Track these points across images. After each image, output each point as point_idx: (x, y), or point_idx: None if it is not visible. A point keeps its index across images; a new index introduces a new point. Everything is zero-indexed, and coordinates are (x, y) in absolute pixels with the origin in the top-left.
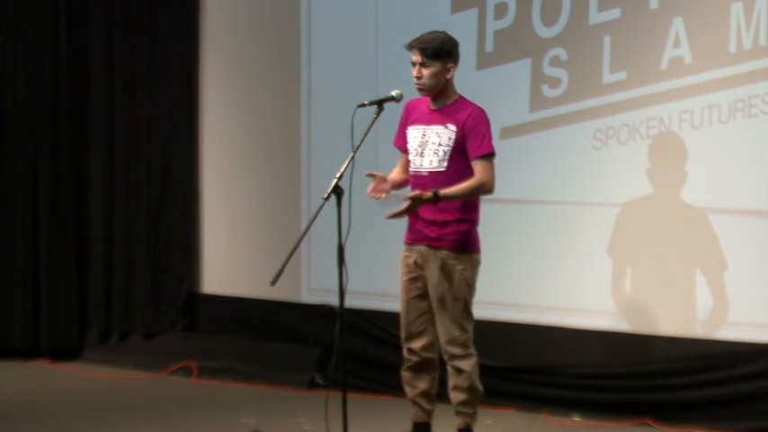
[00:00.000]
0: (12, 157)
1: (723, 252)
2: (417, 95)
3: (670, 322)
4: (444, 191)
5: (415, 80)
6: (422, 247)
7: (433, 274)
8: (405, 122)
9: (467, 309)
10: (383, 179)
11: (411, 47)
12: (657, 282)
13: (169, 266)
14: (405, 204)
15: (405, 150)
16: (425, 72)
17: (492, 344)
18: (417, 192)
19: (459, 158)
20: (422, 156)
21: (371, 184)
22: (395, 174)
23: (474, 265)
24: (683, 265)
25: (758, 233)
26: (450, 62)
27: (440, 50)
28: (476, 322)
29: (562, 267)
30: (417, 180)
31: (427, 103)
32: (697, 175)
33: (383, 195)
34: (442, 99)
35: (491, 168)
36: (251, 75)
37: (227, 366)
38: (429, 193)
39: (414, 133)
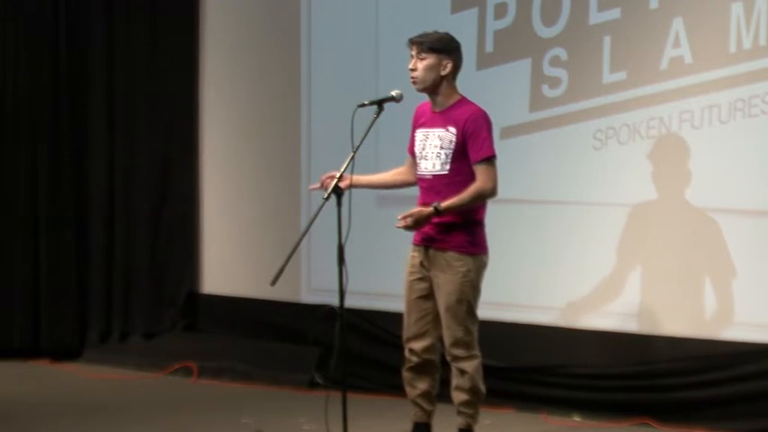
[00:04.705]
0: (12, 157)
1: (723, 252)
2: (417, 96)
3: (670, 322)
4: (445, 204)
5: (410, 73)
6: (428, 249)
7: (438, 275)
8: (414, 127)
9: (471, 310)
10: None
11: (410, 42)
12: (657, 282)
13: (169, 266)
14: (407, 221)
15: (414, 156)
16: (420, 65)
17: (492, 344)
18: (418, 209)
19: (462, 160)
20: (426, 159)
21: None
22: (388, 173)
23: (480, 267)
24: (683, 265)
25: (758, 233)
26: (447, 59)
27: (435, 44)
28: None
29: (562, 267)
30: (423, 183)
31: (431, 106)
32: (697, 175)
33: (317, 186)
34: (442, 100)
35: (492, 172)
36: (251, 74)
37: (227, 366)
38: (430, 209)
39: (419, 136)
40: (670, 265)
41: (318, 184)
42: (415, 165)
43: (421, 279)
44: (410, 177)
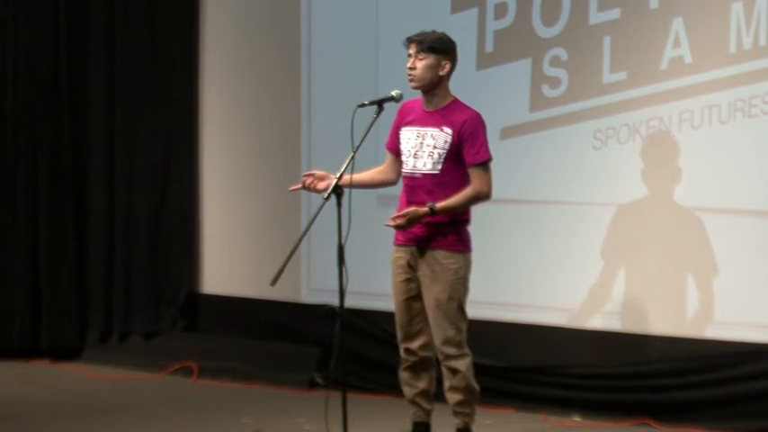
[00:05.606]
0: (12, 157)
1: (723, 252)
2: (418, 97)
3: (670, 322)
4: (441, 204)
5: (408, 71)
6: (414, 248)
7: (427, 274)
8: (398, 124)
9: (461, 308)
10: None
11: (409, 40)
12: (657, 282)
13: (169, 266)
14: (399, 221)
15: (396, 153)
16: (419, 64)
17: (492, 344)
18: (413, 208)
19: (454, 161)
20: (416, 157)
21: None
22: (368, 173)
23: (468, 265)
24: (683, 265)
25: (758, 233)
26: (446, 59)
27: (436, 45)
28: (475, 322)
29: (562, 267)
30: (411, 181)
31: (421, 105)
32: (697, 175)
33: (298, 187)
34: (436, 100)
35: (488, 176)
36: (251, 75)
37: (227, 366)
38: (425, 209)
39: (407, 134)
40: (669, 265)
41: (300, 185)
42: (397, 162)
43: (409, 280)
44: (391, 176)
